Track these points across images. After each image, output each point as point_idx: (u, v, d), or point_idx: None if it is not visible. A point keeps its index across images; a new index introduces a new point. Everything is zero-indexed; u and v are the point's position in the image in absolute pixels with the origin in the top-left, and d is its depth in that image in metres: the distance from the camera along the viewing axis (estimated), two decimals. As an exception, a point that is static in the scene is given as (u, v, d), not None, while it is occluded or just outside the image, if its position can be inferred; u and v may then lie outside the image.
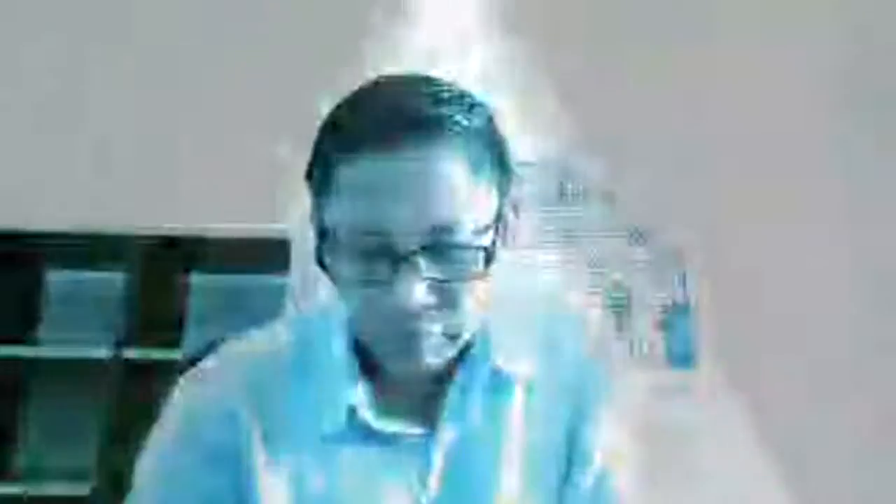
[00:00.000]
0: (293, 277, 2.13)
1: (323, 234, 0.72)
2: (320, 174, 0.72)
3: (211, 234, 2.15)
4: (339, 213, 0.70)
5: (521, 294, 0.87)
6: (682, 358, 2.35)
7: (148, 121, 2.42)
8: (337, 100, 0.75)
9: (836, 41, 2.47)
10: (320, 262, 0.73)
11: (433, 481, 0.78)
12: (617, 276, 2.40)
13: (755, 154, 2.39)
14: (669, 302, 2.38)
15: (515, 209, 0.78)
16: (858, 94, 2.44)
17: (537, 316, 0.85)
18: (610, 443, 0.83)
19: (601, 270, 2.41)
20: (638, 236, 2.42)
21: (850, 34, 2.49)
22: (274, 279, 2.24)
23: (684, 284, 2.38)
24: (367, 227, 0.69)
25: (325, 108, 0.74)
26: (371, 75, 0.76)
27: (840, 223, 2.39)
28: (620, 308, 2.37)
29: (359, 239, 0.69)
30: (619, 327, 2.33)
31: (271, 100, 2.40)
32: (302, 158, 0.76)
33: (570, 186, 2.46)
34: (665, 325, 2.37)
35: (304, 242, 2.05)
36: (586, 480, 0.81)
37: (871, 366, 2.31)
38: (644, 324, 2.37)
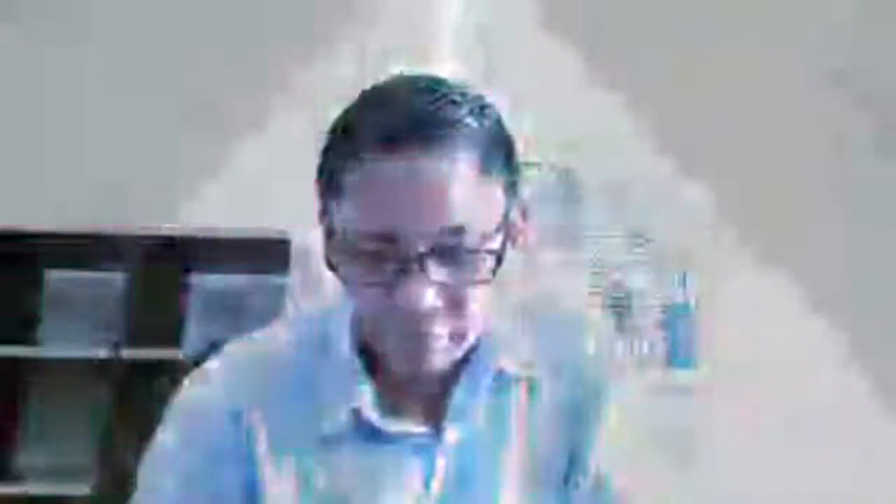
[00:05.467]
0: (293, 277, 2.13)
1: (331, 235, 0.72)
2: (329, 175, 0.72)
3: (211, 234, 2.15)
4: (348, 214, 0.70)
5: (523, 295, 0.87)
6: (682, 358, 2.35)
7: (148, 121, 2.42)
8: (339, 100, 0.75)
9: (837, 42, 2.47)
10: (328, 263, 0.73)
11: (436, 482, 0.78)
12: (617, 276, 2.40)
13: (756, 154, 2.39)
14: (669, 302, 2.39)
15: (524, 213, 0.78)
16: (859, 94, 2.45)
17: (539, 317, 0.86)
18: (611, 443, 0.83)
19: (601, 270, 2.41)
20: (638, 236, 2.42)
21: (851, 34, 2.49)
22: (274, 279, 2.24)
23: (684, 284, 2.39)
24: (376, 230, 0.68)
25: (330, 110, 0.74)
26: (373, 76, 0.76)
27: (840, 223, 2.39)
28: (620, 308, 2.38)
29: (368, 241, 0.69)
30: (619, 327, 2.33)
31: (272, 99, 2.41)
32: (304, 159, 0.76)
33: (569, 186, 2.46)
34: (665, 325, 2.37)
35: (304, 242, 2.06)
36: (587, 481, 0.81)
37: (871, 364, 2.31)
38: (644, 324, 2.38)
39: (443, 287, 0.70)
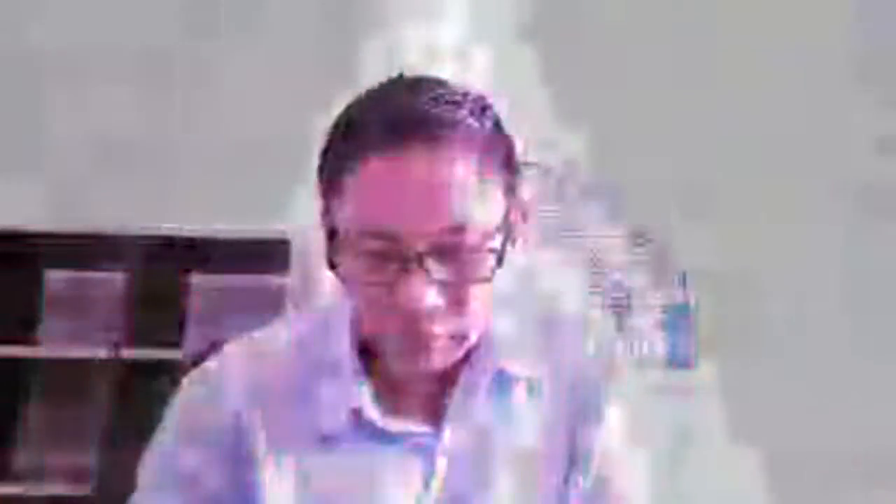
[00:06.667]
0: (293, 277, 2.13)
1: (332, 234, 0.73)
2: (330, 175, 0.73)
3: (211, 234, 2.15)
4: (349, 213, 0.70)
5: (524, 295, 0.87)
6: (682, 358, 2.35)
7: (148, 120, 2.42)
8: (340, 100, 0.75)
9: (838, 41, 2.47)
10: (329, 263, 0.73)
11: (436, 481, 0.78)
12: (617, 276, 2.40)
13: (756, 154, 2.39)
14: (669, 302, 2.39)
15: (524, 214, 0.78)
16: (860, 95, 2.44)
17: (539, 317, 0.86)
18: (610, 443, 0.83)
19: (601, 270, 2.41)
20: (638, 236, 2.42)
21: (853, 34, 2.48)
22: (274, 279, 2.24)
23: (684, 284, 2.39)
24: (377, 229, 0.69)
25: (331, 109, 0.75)
26: (374, 76, 0.76)
27: (841, 223, 2.39)
28: (620, 308, 2.38)
29: (369, 240, 0.69)
30: (619, 327, 2.33)
31: (272, 99, 2.40)
32: (304, 159, 0.76)
33: (569, 186, 2.46)
34: (665, 325, 2.37)
35: (304, 242, 2.06)
36: (587, 481, 0.81)
37: (870, 365, 2.31)
38: (644, 324, 2.38)
39: (444, 286, 0.70)
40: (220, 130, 2.40)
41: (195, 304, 2.37)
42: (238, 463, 0.77)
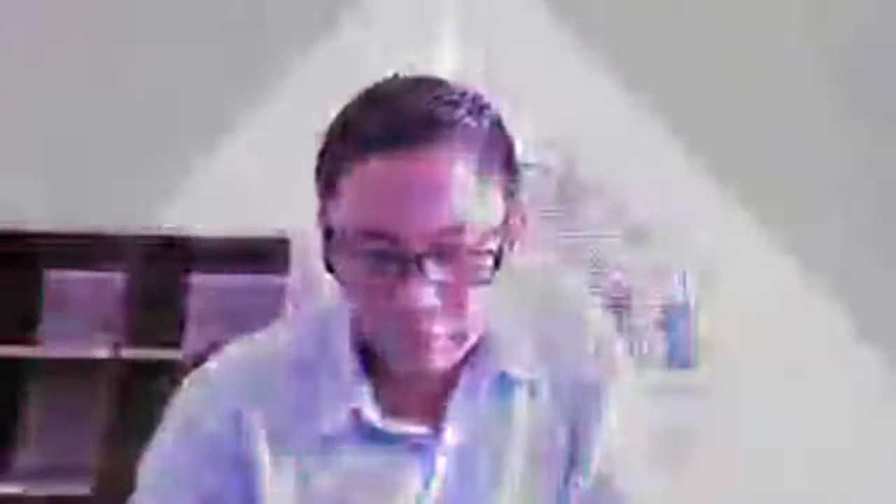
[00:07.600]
0: (293, 277, 2.13)
1: (329, 234, 0.72)
2: (328, 174, 0.72)
3: (211, 234, 2.15)
4: (347, 213, 0.70)
5: (524, 295, 0.87)
6: (682, 358, 2.35)
7: (148, 121, 2.42)
8: (339, 100, 0.75)
9: (839, 40, 2.47)
10: (326, 264, 0.73)
11: (436, 481, 0.78)
12: (617, 276, 2.40)
13: (756, 154, 2.39)
14: (669, 302, 2.39)
15: (523, 216, 0.78)
16: (860, 93, 2.44)
17: (540, 318, 0.85)
18: (611, 444, 0.82)
19: (601, 270, 2.41)
20: (638, 236, 2.42)
21: (853, 32, 2.48)
22: (274, 279, 2.24)
23: (684, 284, 2.39)
24: (375, 229, 0.68)
25: (331, 110, 0.74)
26: (373, 76, 0.76)
27: (840, 223, 2.39)
28: (620, 308, 2.38)
29: (366, 241, 0.69)
30: (619, 327, 2.33)
31: (272, 99, 2.41)
32: (304, 159, 0.76)
33: (569, 186, 2.46)
34: (665, 325, 2.37)
35: (304, 242, 2.06)
36: (588, 481, 0.81)
37: (872, 364, 2.31)
38: (644, 324, 2.38)
39: (442, 286, 0.69)
40: (220, 130, 2.40)
41: (195, 304, 2.37)
42: (238, 463, 0.77)
